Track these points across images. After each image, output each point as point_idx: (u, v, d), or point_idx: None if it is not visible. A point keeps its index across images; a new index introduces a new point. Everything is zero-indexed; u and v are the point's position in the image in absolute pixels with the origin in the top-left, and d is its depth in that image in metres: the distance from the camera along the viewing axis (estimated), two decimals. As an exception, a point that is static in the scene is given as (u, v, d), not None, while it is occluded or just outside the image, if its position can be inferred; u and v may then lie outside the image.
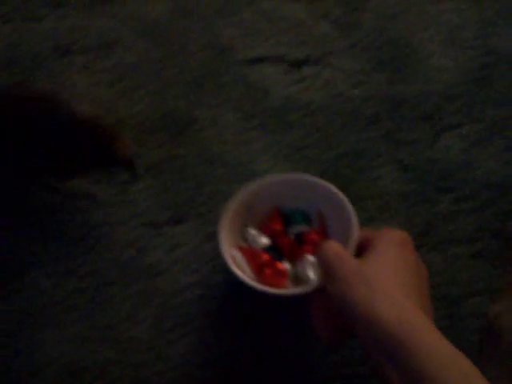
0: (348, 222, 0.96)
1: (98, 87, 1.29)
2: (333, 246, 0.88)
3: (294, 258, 0.99)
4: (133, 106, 1.26)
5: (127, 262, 1.13)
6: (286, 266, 1.01)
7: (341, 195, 1.00)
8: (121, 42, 1.35)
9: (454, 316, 1.08)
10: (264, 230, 1.00)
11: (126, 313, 1.09)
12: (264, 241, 1.02)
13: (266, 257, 1.00)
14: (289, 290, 0.94)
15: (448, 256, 1.14)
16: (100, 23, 1.38)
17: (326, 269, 0.86)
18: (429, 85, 1.31)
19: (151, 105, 1.27)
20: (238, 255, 0.99)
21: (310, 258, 0.99)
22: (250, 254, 1.00)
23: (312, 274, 0.96)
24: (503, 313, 0.92)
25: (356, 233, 0.95)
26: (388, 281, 0.82)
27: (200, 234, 1.14)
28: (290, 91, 1.29)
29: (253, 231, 1.03)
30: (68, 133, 1.00)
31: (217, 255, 0.98)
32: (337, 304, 0.83)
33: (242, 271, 0.96)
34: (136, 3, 1.40)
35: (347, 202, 0.99)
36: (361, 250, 0.91)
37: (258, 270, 0.99)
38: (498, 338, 0.88)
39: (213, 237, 1.03)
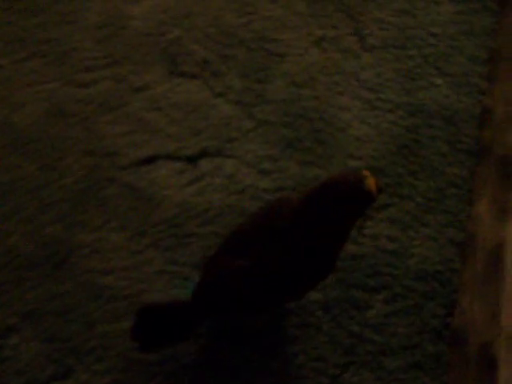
0: None
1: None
2: None
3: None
4: (5, 239, 1.08)
5: None
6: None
7: None
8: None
9: None
10: None
11: None
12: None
13: None
14: None
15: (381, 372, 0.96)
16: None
17: None
18: (349, 161, 1.13)
19: (26, 235, 1.08)
20: None
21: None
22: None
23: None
24: None
25: None
26: None
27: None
28: (185, 195, 1.11)
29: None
30: None
31: None
32: None
33: None
34: (5, 109, 1.21)
35: None
36: None
37: None
38: None
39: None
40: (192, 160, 1.14)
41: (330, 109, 1.20)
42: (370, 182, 0.85)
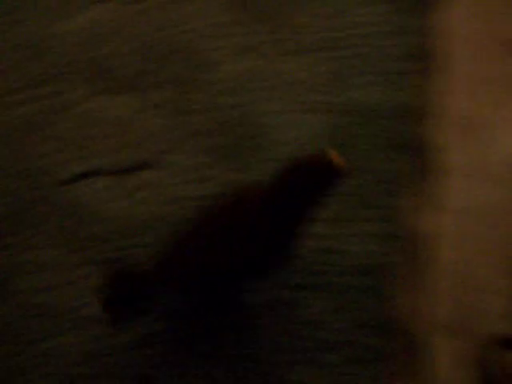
0: None
1: None
2: None
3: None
4: None
5: None
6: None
7: None
8: None
9: None
10: None
11: None
12: None
13: None
14: None
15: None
16: None
17: None
18: (282, 164, 1.15)
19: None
20: None
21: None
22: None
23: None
24: None
25: None
26: None
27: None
28: (117, 209, 1.11)
29: None
30: None
31: None
32: None
33: None
34: None
35: None
36: None
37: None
38: None
39: None
40: (123, 174, 1.14)
41: (259, 115, 1.21)
42: (336, 158, 0.89)
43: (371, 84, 1.30)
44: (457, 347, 0.96)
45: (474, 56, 1.32)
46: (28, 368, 0.97)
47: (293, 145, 1.18)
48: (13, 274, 1.05)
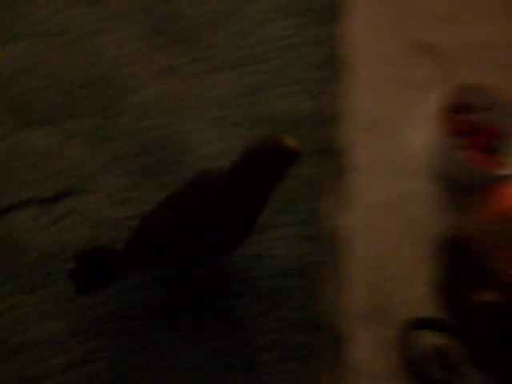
0: None
1: None
2: None
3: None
4: None
5: None
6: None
7: None
8: None
9: None
10: None
11: None
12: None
13: None
14: None
15: None
16: None
17: None
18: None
19: None
20: None
21: None
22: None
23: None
24: None
25: None
26: None
27: None
28: (45, 237, 1.13)
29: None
30: None
31: None
32: None
33: None
34: None
35: None
36: None
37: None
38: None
39: None
40: (50, 203, 1.17)
41: (182, 134, 1.25)
42: (290, 142, 0.93)
43: (289, 94, 1.36)
44: (378, 334, 1.00)
45: (381, 59, 1.39)
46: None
47: (217, 158, 1.22)
48: None
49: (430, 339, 1.03)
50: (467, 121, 1.30)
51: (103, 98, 1.30)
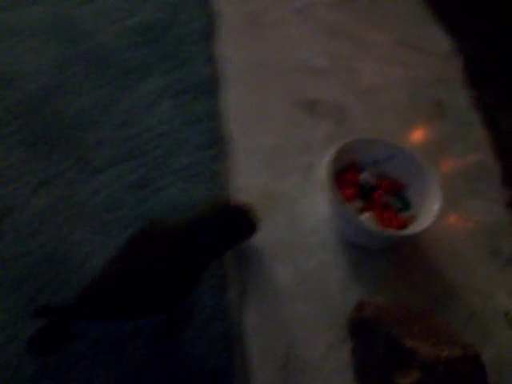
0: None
1: None
2: None
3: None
4: None
5: None
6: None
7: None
8: None
9: None
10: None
11: None
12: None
13: None
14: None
15: None
16: None
17: None
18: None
19: None
20: None
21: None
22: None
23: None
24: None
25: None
26: None
27: None
28: None
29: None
30: None
31: None
32: None
33: None
34: None
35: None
36: None
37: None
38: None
39: None
40: None
41: (67, 247, 1.18)
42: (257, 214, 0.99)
43: (180, 181, 1.31)
44: None
45: (265, 126, 1.35)
46: None
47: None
48: None
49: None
50: (364, 178, 1.26)
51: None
